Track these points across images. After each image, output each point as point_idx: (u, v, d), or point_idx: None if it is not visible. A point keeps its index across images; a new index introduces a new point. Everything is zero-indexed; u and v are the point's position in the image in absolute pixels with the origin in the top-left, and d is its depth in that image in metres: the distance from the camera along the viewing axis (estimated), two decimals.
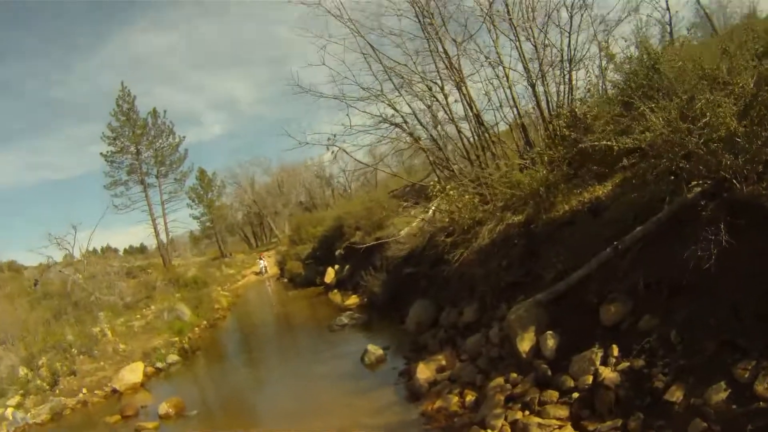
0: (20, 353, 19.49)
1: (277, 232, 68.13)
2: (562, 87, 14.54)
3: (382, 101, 15.54)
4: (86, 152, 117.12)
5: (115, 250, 53.45)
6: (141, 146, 47.88)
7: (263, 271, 48.49)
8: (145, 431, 14.13)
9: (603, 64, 14.22)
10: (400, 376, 13.26)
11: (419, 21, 15.07)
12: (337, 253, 30.51)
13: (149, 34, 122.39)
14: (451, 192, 13.47)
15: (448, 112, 15.28)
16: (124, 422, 15.34)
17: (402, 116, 15.65)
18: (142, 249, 71.05)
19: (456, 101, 15.42)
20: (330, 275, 30.26)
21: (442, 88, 15.18)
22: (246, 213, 73.86)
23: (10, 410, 17.07)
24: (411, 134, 15.87)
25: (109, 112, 47.20)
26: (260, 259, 50.98)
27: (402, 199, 22.52)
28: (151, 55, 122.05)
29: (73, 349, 20.24)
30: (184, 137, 51.38)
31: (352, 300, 24.00)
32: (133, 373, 19.01)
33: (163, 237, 48.46)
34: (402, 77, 15.29)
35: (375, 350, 15.13)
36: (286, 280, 40.03)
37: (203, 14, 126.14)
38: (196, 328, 25.96)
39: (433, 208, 16.21)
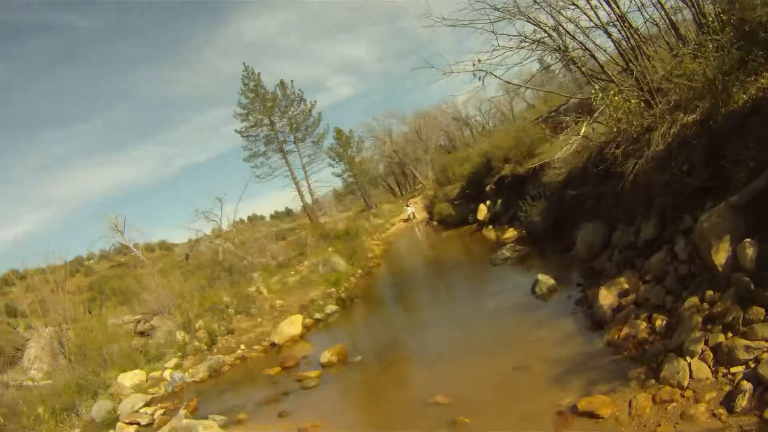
0: (177, 320, 19.39)
1: (421, 179, 67.78)
2: None
3: (521, 18, 13.15)
4: (218, 134, 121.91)
5: (262, 217, 55.01)
6: (274, 117, 49.66)
7: (411, 217, 48.16)
8: (308, 380, 13.28)
9: None
10: (578, 304, 11.82)
11: None
12: (487, 188, 28.81)
13: (262, 18, 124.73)
14: (616, 98, 11.26)
15: (595, 17, 12.57)
16: (285, 373, 14.61)
17: (545, 30, 13.18)
18: (288, 212, 73.70)
19: (597, 6, 12.72)
20: (482, 211, 28.68)
21: None
22: (387, 164, 73.82)
23: (168, 371, 16.98)
24: (558, 48, 13.35)
25: (236, 91, 49.07)
26: (407, 205, 50.61)
27: (551, 123, 21.84)
28: (266, 36, 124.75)
29: (230, 310, 19.93)
30: (315, 102, 52.75)
31: (510, 233, 22.13)
32: (291, 326, 18.17)
33: (308, 198, 50.46)
34: None
35: (546, 279, 13.28)
36: (435, 222, 39.00)
37: None
38: (352, 278, 25.09)
39: (590, 122, 13.87)
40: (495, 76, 13.50)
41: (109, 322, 20.74)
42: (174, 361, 17.55)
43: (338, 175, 67.33)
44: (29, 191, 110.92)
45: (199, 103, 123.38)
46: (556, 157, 17.74)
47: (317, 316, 19.50)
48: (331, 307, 20.10)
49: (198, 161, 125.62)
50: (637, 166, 10.85)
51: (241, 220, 41.31)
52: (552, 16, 13.05)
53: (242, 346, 17.94)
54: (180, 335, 18.51)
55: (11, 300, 34.77)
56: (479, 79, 13.57)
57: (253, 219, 47.96)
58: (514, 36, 13.35)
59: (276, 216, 71.83)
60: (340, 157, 65.62)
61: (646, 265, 10.50)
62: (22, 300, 25.67)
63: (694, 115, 10.12)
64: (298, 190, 49.87)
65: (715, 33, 9.91)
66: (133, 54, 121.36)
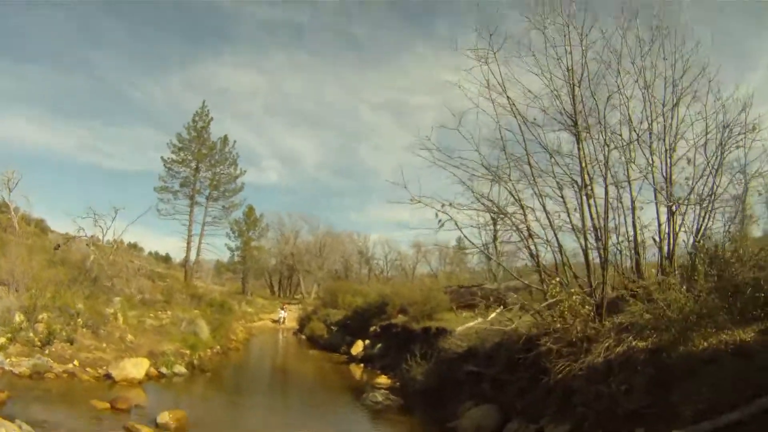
0: (22, 301, 17.39)
1: (303, 290, 67.56)
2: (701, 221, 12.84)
3: (504, 184, 13.84)
4: (144, 154, 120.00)
5: (141, 249, 52.53)
6: (202, 165, 48.95)
7: (281, 320, 48.08)
8: None
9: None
10: None
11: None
12: (372, 328, 28.94)
13: (237, 71, 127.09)
14: (575, 297, 11.81)
15: (580, 216, 13.27)
16: (112, 414, 12.84)
17: (522, 206, 13.81)
18: (166, 259, 70.85)
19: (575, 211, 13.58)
20: (358, 347, 28.67)
21: (581, 188, 13.20)
22: (280, 262, 72.82)
23: None
24: (527, 228, 13.88)
25: (183, 125, 48.87)
26: (282, 308, 50.59)
27: (460, 300, 22.48)
28: (232, 89, 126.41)
29: (79, 319, 18.10)
30: (245, 171, 52.40)
31: (383, 379, 21.50)
32: (135, 368, 16.59)
33: (192, 255, 48.60)
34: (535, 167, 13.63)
35: None
36: (303, 337, 38.81)
37: (293, 69, 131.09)
38: (209, 350, 23.81)
39: (512, 311, 14.39)
40: (457, 226, 13.70)
41: None
42: (1, 340, 15.48)
43: (231, 250, 66.85)
44: None
45: (143, 116, 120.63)
46: (465, 326, 18.54)
47: (164, 370, 18.02)
48: (180, 368, 18.73)
49: (114, 166, 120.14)
50: (568, 369, 10.93)
51: (122, 242, 39.26)
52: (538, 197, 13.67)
53: (76, 362, 16.12)
54: (18, 317, 16.51)
55: None
56: (439, 221, 13.75)
57: (133, 247, 45.24)
58: (481, 198, 13.92)
59: (153, 256, 68.75)
60: (240, 233, 65.28)
61: None
62: None
63: (645, 343, 10.43)
64: (188, 244, 48.24)
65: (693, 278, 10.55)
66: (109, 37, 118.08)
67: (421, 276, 59.94)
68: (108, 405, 13.14)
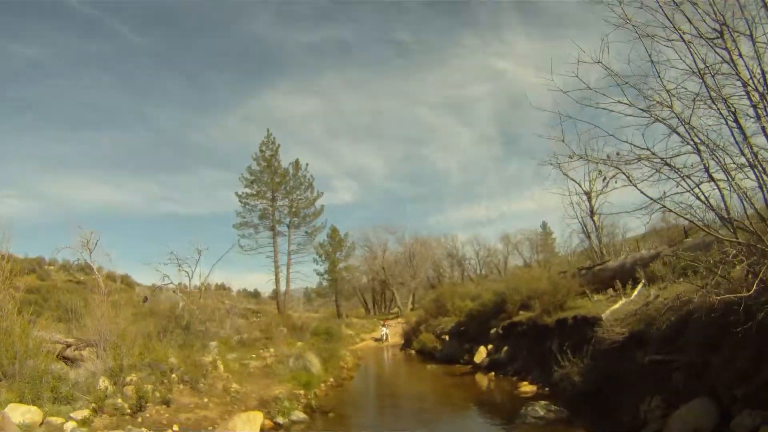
0: (107, 362, 14.81)
1: (399, 303, 64.94)
2: None
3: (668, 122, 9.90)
4: (214, 195, 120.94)
5: (229, 289, 51.37)
6: (278, 194, 48.19)
7: (384, 338, 46.20)
8: None
9: None
10: None
11: None
12: (492, 330, 26.22)
13: (293, 98, 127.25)
14: None
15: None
16: None
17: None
18: (255, 294, 70.29)
19: None
20: (481, 354, 25.80)
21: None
22: (371, 278, 70.85)
23: (71, 424, 11.95)
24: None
25: (251, 155, 48.34)
26: (383, 325, 48.52)
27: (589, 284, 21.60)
28: (291, 117, 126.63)
29: (173, 375, 15.39)
30: (322, 193, 51.21)
31: (527, 387, 18.45)
32: (247, 424, 13.48)
33: (282, 286, 47.79)
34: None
35: None
36: (413, 352, 36.27)
37: (346, 86, 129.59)
38: (323, 384, 21.01)
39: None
40: (630, 181, 10.08)
41: (35, 333, 15.93)
42: (84, 413, 12.47)
43: (320, 274, 65.73)
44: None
45: (206, 157, 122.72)
46: (610, 310, 16.55)
47: (280, 420, 15.02)
48: (299, 414, 15.68)
49: (186, 212, 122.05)
50: None
51: (209, 285, 38.27)
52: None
53: (175, 427, 13.23)
54: (103, 383, 13.84)
55: None
56: (604, 178, 10.41)
57: (220, 288, 43.96)
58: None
59: (242, 293, 67.95)
60: (328, 256, 64.02)
61: None
62: None
63: None
64: (276, 275, 47.26)
65: None
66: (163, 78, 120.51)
67: (513, 268, 57.43)
68: None
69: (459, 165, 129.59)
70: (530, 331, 22.03)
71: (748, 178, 9.11)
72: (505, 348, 23.94)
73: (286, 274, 47.69)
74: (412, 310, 59.88)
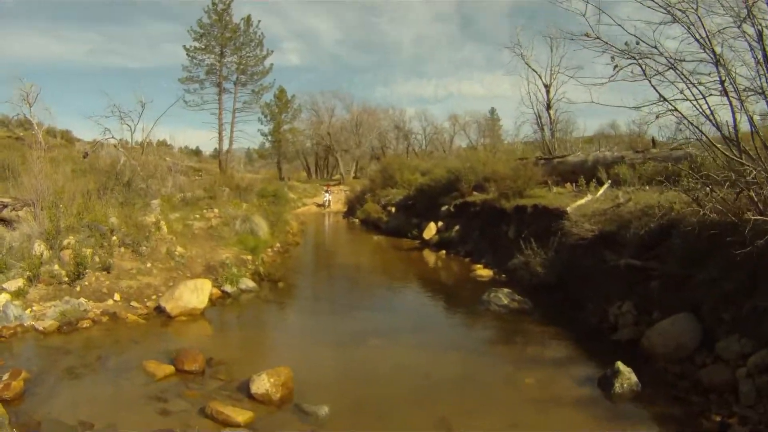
0: (43, 224, 13.50)
1: (342, 171, 64.06)
2: None
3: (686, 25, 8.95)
4: (161, 49, 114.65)
5: (171, 146, 49.61)
6: (227, 49, 46.61)
7: (327, 204, 45.93)
8: (231, 428, 6.88)
9: None
10: None
11: None
12: (444, 208, 25.64)
13: None
14: None
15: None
16: (179, 382, 8.37)
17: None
18: (197, 152, 67.88)
19: None
20: (431, 231, 25.18)
21: None
22: (316, 143, 69.28)
23: (4, 297, 10.96)
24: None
25: (203, 8, 46.46)
26: (326, 191, 47.87)
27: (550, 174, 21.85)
28: None
29: (114, 237, 14.25)
30: (272, 51, 49.75)
31: (482, 271, 18.04)
32: (195, 294, 12.33)
33: (225, 144, 47.62)
34: None
35: (629, 373, 8.26)
36: (357, 221, 35.74)
37: None
38: (270, 249, 20.33)
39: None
40: (645, 74, 9.21)
41: None
42: (18, 282, 11.37)
43: (264, 135, 64.72)
44: None
45: (153, 8, 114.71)
46: (576, 205, 16.21)
47: (228, 288, 14.25)
48: (248, 282, 14.94)
49: (131, 66, 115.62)
50: None
51: (151, 141, 36.59)
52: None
53: (117, 296, 12.32)
54: (39, 247, 12.61)
55: None
56: (615, 66, 9.43)
57: (162, 145, 42.31)
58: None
59: (184, 151, 65.85)
60: (273, 116, 61.89)
61: None
62: None
63: None
64: (219, 133, 46.68)
65: None
66: None
67: (458, 148, 57.43)
68: (172, 369, 8.74)
69: (411, 39, 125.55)
70: (484, 213, 21.65)
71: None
72: (457, 227, 23.53)
73: (230, 132, 47.24)
74: (355, 178, 59.55)
